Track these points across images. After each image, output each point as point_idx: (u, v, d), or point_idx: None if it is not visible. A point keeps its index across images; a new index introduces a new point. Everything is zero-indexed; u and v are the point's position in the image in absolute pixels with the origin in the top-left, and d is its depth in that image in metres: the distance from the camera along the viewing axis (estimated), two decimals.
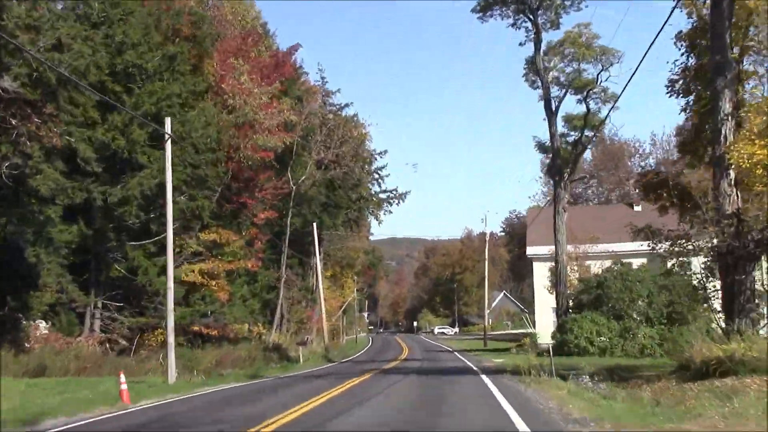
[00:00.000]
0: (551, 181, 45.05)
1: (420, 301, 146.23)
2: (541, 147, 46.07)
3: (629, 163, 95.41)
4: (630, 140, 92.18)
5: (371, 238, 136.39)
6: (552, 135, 43.78)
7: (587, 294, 42.52)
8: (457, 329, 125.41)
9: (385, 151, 71.48)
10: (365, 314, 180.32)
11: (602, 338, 40.67)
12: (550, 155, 44.90)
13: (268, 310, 59.60)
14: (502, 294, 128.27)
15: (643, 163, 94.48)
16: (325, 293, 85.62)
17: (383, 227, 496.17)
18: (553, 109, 43.52)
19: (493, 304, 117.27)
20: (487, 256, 72.90)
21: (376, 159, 71.60)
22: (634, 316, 41.12)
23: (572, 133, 44.82)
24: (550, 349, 37.99)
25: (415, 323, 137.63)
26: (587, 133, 43.58)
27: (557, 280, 43.98)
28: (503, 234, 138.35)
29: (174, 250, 33.72)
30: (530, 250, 59.01)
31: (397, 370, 36.62)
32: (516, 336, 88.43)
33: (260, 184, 53.05)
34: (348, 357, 58.38)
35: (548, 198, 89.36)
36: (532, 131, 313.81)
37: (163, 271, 35.88)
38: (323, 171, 62.58)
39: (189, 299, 46.46)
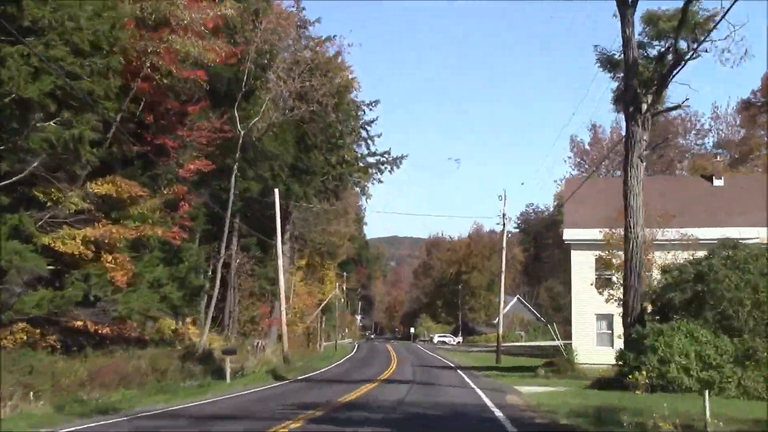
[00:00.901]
0: (620, 117, 28.07)
1: (419, 305, 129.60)
2: (608, 61, 29.74)
3: (683, 142, 79.17)
4: (686, 114, 75.57)
5: (368, 236, 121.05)
6: (626, 40, 27.50)
7: (679, 292, 26.24)
8: (460, 338, 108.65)
9: (376, 102, 55.26)
10: (358, 317, 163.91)
11: (708, 363, 24.38)
12: (621, 75, 28.70)
13: (204, 303, 43.52)
14: (515, 299, 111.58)
15: (700, 142, 78.34)
16: (298, 287, 69.51)
17: (384, 227, 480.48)
18: None
19: (505, 311, 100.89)
20: (504, 245, 56.92)
21: (363, 112, 55.35)
22: (762, 329, 24.88)
23: (656, 43, 28.77)
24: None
25: (412, 329, 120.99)
26: (683, 44, 27.35)
27: (628, 271, 27.29)
28: (517, 230, 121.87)
29: None
30: (569, 234, 42.97)
31: (361, 409, 20.51)
32: (532, 350, 72.91)
33: (189, 121, 37.10)
34: (311, 372, 42.46)
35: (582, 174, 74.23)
36: (557, 110, 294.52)
37: (18, 233, 27.53)
38: (287, 113, 46.43)
39: (63, 279, 30.96)
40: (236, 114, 40.27)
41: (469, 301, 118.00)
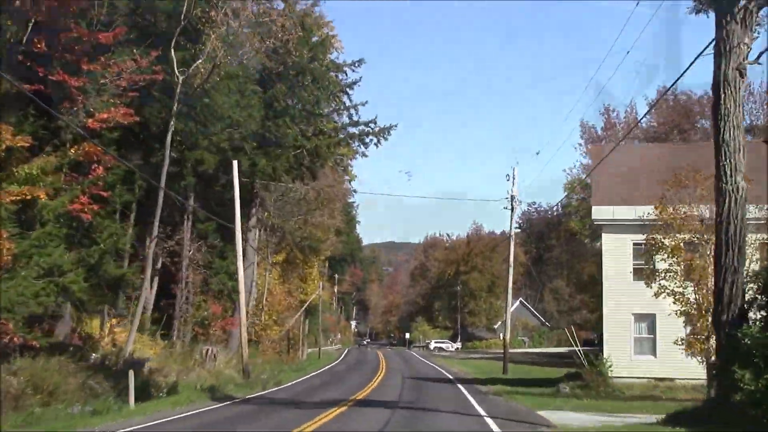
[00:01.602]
0: (714, 12, 18.44)
1: (415, 308, 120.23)
2: None
3: (706, 123, 69.87)
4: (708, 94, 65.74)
5: (365, 242, 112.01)
6: None
7: None
8: (458, 344, 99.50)
9: (360, 62, 45.94)
10: (353, 323, 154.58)
11: None
12: None
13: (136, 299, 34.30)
14: (518, 302, 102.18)
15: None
16: (274, 285, 60.47)
17: (381, 234, 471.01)
18: None
19: (505, 315, 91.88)
20: (512, 233, 47.84)
21: (345, 74, 46.10)
22: None
23: None
24: None
25: (407, 335, 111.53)
26: None
27: (721, 244, 17.56)
28: (519, 230, 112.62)
29: None
30: (599, 213, 33.68)
31: None
32: (540, 357, 64.12)
33: (106, 57, 28.06)
34: (274, 387, 33.29)
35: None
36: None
37: None
38: (243, 59, 37.34)
39: None
40: (173, 55, 31.14)
41: (469, 304, 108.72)
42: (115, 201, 30.31)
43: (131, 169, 30.84)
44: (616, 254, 33.13)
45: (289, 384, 36.21)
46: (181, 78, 31.27)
